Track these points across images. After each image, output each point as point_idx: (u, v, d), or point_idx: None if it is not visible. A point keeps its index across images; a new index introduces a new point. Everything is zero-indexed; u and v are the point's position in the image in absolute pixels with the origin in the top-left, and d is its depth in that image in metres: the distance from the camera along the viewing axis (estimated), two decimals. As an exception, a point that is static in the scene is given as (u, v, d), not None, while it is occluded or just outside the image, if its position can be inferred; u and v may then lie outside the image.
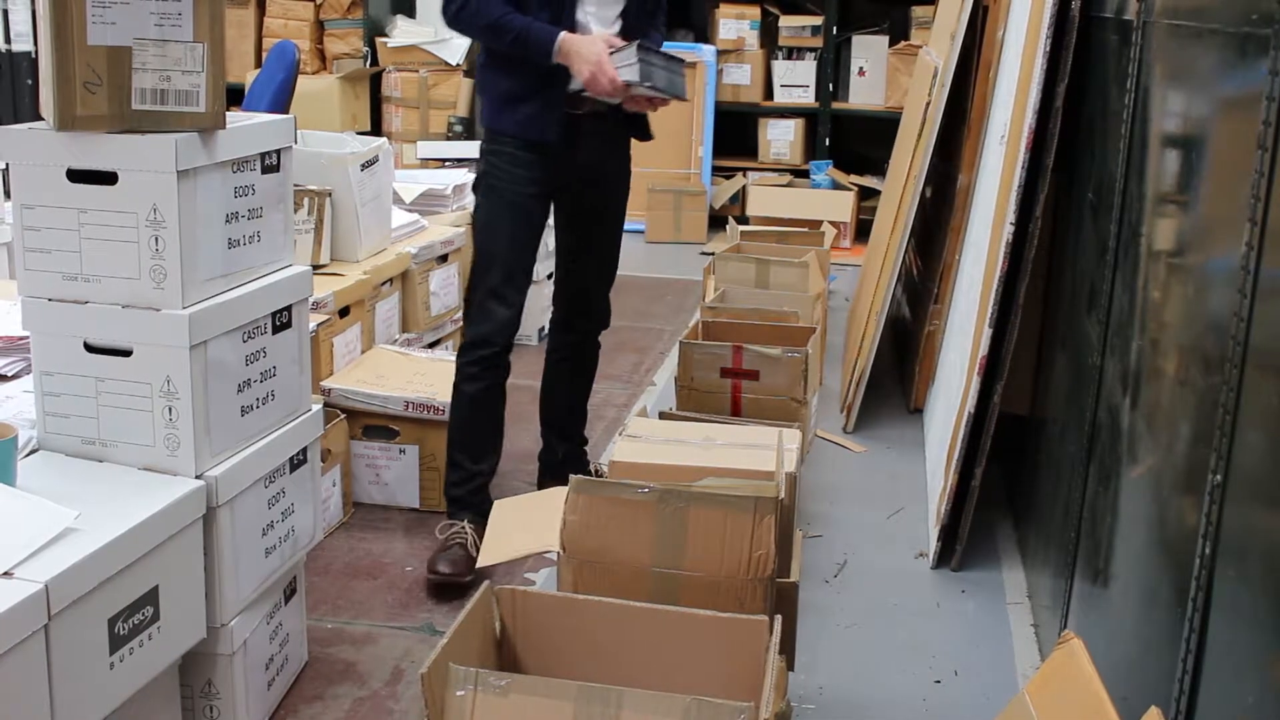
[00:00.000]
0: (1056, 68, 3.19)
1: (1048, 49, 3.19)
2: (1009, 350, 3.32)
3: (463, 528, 3.26)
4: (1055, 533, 2.95)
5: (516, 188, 3.18)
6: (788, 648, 2.34)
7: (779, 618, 1.92)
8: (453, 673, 1.72)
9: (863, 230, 7.28)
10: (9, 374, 2.70)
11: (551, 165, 3.19)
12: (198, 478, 2.26)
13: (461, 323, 3.40)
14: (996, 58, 4.25)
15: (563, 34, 3.03)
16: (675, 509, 2.13)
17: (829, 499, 3.89)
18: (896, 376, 5.06)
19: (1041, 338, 3.57)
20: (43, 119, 2.26)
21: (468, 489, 3.32)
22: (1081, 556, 2.62)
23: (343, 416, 3.56)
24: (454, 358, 3.36)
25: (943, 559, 3.45)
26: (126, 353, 2.25)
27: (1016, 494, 3.79)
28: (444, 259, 4.64)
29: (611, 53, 3.01)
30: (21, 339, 2.71)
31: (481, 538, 2.77)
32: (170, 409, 2.24)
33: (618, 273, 3.53)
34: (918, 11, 7.91)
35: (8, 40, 7.64)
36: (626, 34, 3.16)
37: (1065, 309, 3.20)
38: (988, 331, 3.31)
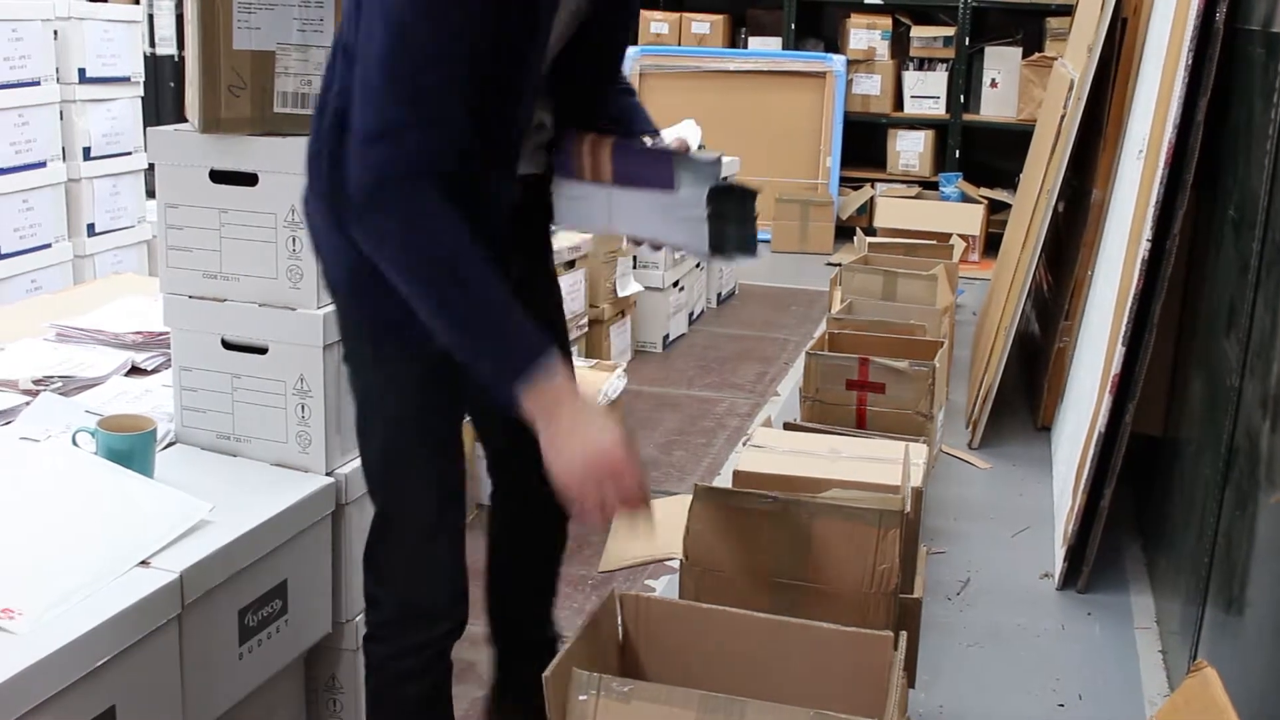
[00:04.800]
0: (1199, 81, 3.12)
1: (1190, 62, 3.12)
2: (1142, 369, 3.25)
3: None
4: (1187, 557, 2.88)
5: (426, 395, 1.96)
6: (909, 664, 2.31)
7: (903, 634, 1.89)
8: (575, 677, 1.72)
9: (992, 244, 7.19)
10: (149, 368, 2.77)
11: None
12: (328, 475, 2.30)
13: (372, 574, 2.01)
14: (1135, 70, 4.17)
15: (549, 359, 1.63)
16: (799, 520, 2.11)
17: (953, 515, 3.84)
18: (1024, 393, 4.98)
19: (1176, 357, 3.49)
20: (187, 121, 2.32)
21: None
22: (1215, 583, 2.56)
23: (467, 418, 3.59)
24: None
25: (1069, 580, 3.39)
26: (262, 350, 2.29)
27: (1146, 516, 3.71)
28: (570, 265, 4.66)
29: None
30: (161, 334, 2.78)
31: None
32: (303, 406, 2.29)
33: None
34: (1052, 23, 7.79)
35: (152, 44, 7.87)
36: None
37: (1202, 328, 3.12)
38: (1121, 350, 3.24)
